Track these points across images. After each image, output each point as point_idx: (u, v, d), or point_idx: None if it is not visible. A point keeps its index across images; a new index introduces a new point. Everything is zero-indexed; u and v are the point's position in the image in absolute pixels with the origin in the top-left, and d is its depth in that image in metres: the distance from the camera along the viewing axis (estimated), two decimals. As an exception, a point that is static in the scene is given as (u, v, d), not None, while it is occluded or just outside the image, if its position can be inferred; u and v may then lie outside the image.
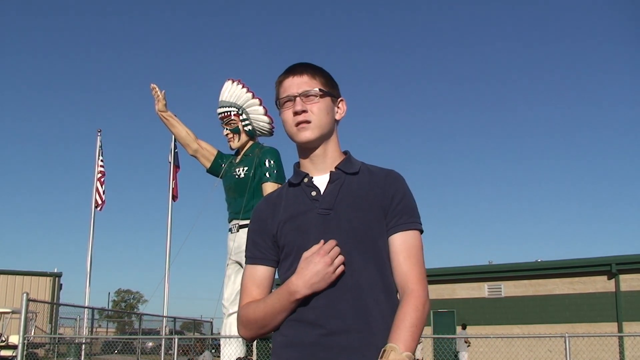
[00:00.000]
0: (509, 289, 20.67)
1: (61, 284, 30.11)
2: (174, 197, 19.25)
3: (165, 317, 18.31)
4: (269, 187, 7.89)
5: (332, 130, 1.93)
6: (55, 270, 29.72)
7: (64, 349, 17.39)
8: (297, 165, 1.97)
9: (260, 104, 8.26)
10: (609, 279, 18.73)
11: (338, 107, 1.96)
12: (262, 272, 1.90)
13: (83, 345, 14.98)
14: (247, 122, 8.16)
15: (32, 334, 16.79)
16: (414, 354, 1.66)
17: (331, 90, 1.93)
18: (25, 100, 72.83)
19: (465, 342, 18.12)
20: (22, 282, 28.21)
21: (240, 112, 8.13)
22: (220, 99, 8.33)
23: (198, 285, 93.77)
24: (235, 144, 8.25)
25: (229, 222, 8.22)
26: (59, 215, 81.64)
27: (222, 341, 8.61)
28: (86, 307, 17.29)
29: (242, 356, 8.29)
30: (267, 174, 7.94)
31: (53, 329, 22.92)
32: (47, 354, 18.36)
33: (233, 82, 8.28)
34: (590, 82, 55.90)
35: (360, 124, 66.14)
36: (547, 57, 61.61)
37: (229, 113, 8.18)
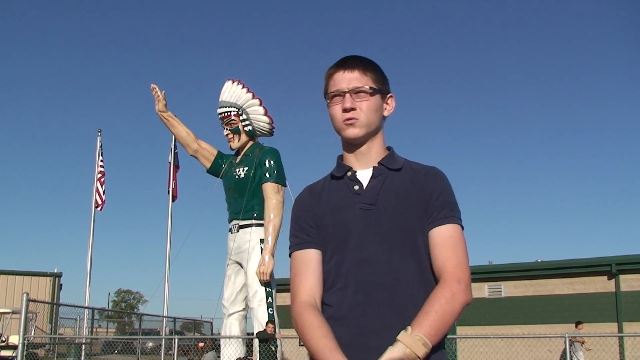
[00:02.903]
0: (509, 289, 20.65)
1: (61, 284, 30.04)
2: (174, 197, 19.23)
3: (165, 317, 18.29)
4: (269, 187, 7.89)
5: (379, 127, 1.92)
6: (55, 271, 29.66)
7: (64, 349, 17.36)
8: (340, 158, 1.95)
9: (261, 104, 8.26)
10: (609, 279, 18.69)
11: (387, 104, 1.94)
12: (313, 255, 1.86)
13: (83, 346, 14.96)
14: (247, 122, 8.16)
15: (32, 334, 16.77)
16: (432, 339, 1.62)
17: (381, 87, 1.90)
18: (26, 100, 72.83)
19: (579, 341, 16.24)
20: (22, 282, 28.14)
21: (240, 112, 8.13)
22: (220, 99, 8.32)
23: (198, 285, 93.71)
24: (236, 144, 8.25)
25: (229, 222, 8.22)
26: (59, 215, 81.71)
27: (222, 341, 8.60)
28: (86, 307, 17.27)
29: (242, 356, 8.28)
30: (267, 174, 7.94)
31: (53, 329, 22.87)
32: (47, 354, 18.31)
33: (233, 82, 8.27)
34: (590, 82, 55.91)
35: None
36: (547, 57, 61.58)
37: (229, 113, 8.17)
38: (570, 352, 15.42)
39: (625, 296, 18.32)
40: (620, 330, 17.14)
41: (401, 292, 1.73)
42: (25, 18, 72.22)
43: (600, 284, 18.87)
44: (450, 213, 1.81)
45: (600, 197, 57.63)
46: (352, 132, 1.85)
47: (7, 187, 75.27)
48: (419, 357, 1.60)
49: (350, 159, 1.91)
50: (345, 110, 1.84)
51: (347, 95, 1.84)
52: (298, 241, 1.89)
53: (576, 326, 16.83)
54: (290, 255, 1.92)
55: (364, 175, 1.87)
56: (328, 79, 1.91)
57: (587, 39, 57.12)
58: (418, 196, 1.81)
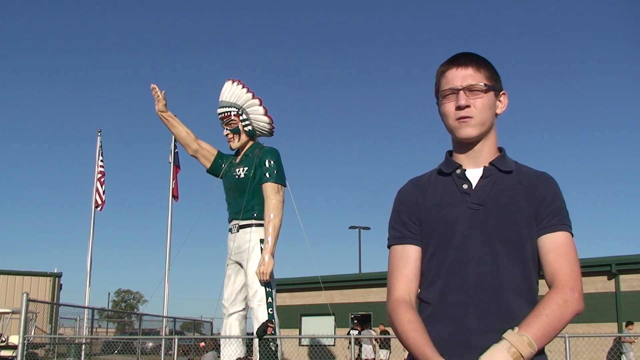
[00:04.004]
0: (509, 289, 20.63)
1: (61, 284, 30.02)
2: (175, 197, 19.21)
3: (165, 317, 18.26)
4: (269, 187, 7.89)
5: (492, 125, 1.86)
6: (55, 270, 29.63)
7: (64, 349, 17.34)
8: (450, 154, 1.91)
9: (260, 104, 8.26)
10: (609, 279, 18.68)
11: (500, 101, 1.88)
12: (413, 252, 1.84)
13: (83, 346, 14.95)
14: (247, 122, 8.17)
15: (32, 334, 16.76)
16: (538, 341, 1.59)
17: (495, 84, 1.84)
18: (26, 100, 72.88)
19: (628, 341, 15.81)
20: (22, 282, 28.12)
21: (240, 112, 8.14)
22: (220, 99, 8.33)
23: (198, 285, 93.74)
24: (236, 144, 8.26)
25: (229, 222, 8.22)
26: (59, 215, 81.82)
27: (222, 341, 8.60)
28: (86, 307, 17.26)
29: (242, 356, 8.28)
30: (267, 174, 7.94)
31: (53, 329, 22.87)
32: (47, 354, 18.31)
33: (233, 82, 8.27)
34: (591, 82, 55.97)
35: (360, 121, 66.04)
36: (548, 57, 61.62)
37: (229, 113, 8.18)
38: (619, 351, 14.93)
39: (625, 296, 18.30)
40: (620, 330, 17.11)
41: (504, 295, 1.70)
42: (25, 18, 72.27)
43: (600, 284, 18.85)
44: (562, 221, 1.76)
45: (600, 197, 57.72)
46: (466, 131, 1.79)
47: (7, 187, 75.34)
48: (522, 357, 1.57)
49: (460, 157, 1.86)
50: (459, 108, 1.79)
51: (462, 92, 1.79)
52: (398, 235, 1.86)
53: (626, 326, 16.51)
54: (388, 247, 1.89)
55: (474, 175, 1.82)
56: (440, 76, 1.86)
57: (587, 39, 57.19)
58: (528, 201, 1.77)
